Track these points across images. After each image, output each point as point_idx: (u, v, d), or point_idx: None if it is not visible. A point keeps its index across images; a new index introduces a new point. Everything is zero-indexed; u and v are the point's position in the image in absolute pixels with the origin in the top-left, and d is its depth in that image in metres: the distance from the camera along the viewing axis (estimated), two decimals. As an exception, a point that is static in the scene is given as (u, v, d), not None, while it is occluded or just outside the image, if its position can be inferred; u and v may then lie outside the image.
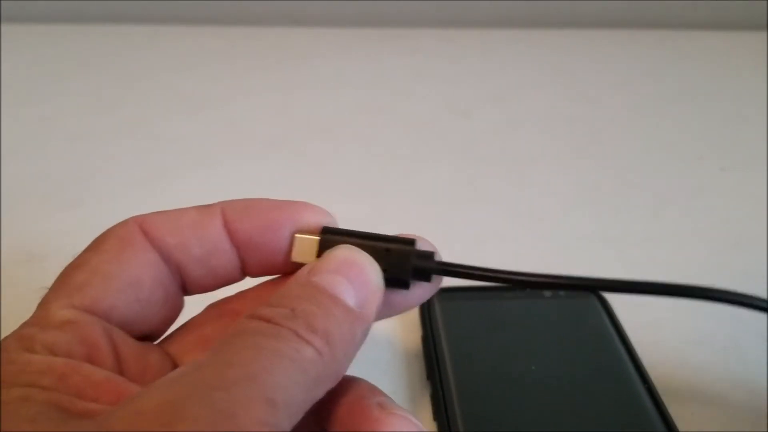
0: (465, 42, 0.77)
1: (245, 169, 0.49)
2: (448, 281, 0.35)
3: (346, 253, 0.20)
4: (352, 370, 0.31)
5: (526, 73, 0.68)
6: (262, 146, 0.52)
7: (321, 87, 0.65)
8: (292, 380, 0.16)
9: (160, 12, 0.82)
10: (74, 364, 0.18)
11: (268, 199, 0.22)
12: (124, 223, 0.21)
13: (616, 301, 0.34)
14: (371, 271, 0.20)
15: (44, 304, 0.19)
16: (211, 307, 0.23)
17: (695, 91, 0.64)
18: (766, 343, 0.33)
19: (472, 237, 0.41)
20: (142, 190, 0.46)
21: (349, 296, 0.19)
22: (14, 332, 0.18)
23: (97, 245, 0.21)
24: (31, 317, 0.19)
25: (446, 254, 0.40)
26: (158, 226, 0.21)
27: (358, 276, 0.19)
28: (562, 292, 0.33)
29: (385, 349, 0.32)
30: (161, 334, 0.22)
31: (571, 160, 0.51)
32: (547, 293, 0.33)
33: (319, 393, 0.17)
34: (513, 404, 0.27)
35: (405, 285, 0.21)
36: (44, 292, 0.20)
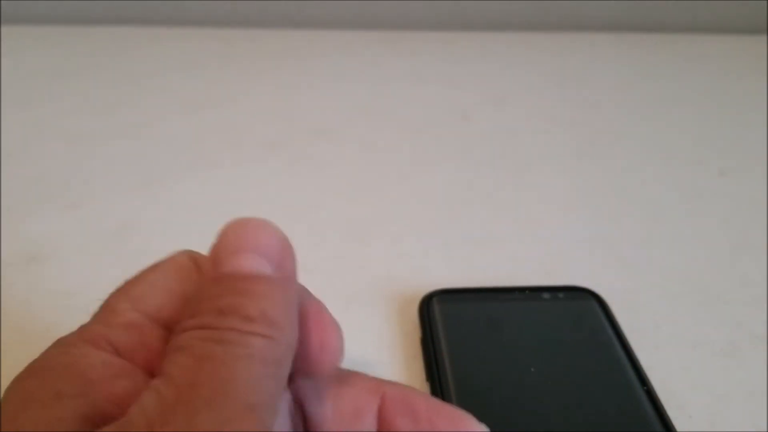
0: (464, 45, 0.77)
1: (244, 170, 0.49)
2: (448, 283, 0.36)
3: (237, 226, 0.18)
4: (351, 369, 0.31)
5: (525, 76, 0.68)
6: (261, 148, 0.52)
7: (320, 89, 0.65)
8: (258, 375, 0.16)
9: (159, 14, 0.82)
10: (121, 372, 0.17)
11: (427, 396, 0.21)
12: (179, 253, 0.21)
13: (615, 302, 0.34)
14: (266, 229, 0.18)
15: (108, 306, 0.19)
16: None
17: (694, 94, 0.65)
18: (765, 344, 0.33)
19: (471, 239, 0.41)
20: (142, 192, 0.46)
21: (261, 266, 0.18)
22: (77, 330, 0.18)
23: (154, 266, 0.20)
24: (96, 317, 0.19)
25: (445, 255, 0.40)
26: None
27: (258, 240, 0.18)
28: (561, 294, 0.33)
29: (384, 350, 0.32)
30: None
31: (571, 162, 0.51)
32: (546, 295, 0.33)
33: (285, 371, 0.17)
34: (511, 405, 0.27)
35: None
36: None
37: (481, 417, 0.27)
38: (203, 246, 0.42)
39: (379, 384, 0.20)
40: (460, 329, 0.31)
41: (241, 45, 0.76)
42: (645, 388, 0.28)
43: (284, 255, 0.18)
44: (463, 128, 0.56)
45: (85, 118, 0.57)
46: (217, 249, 0.18)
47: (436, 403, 0.20)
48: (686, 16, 0.82)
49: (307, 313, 0.19)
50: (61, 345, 0.18)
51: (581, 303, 0.33)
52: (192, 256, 0.21)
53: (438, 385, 0.28)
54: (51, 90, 0.63)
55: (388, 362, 0.31)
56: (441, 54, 0.75)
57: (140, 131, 0.55)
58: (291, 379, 0.20)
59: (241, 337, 0.16)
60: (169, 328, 0.19)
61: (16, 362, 0.31)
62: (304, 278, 0.38)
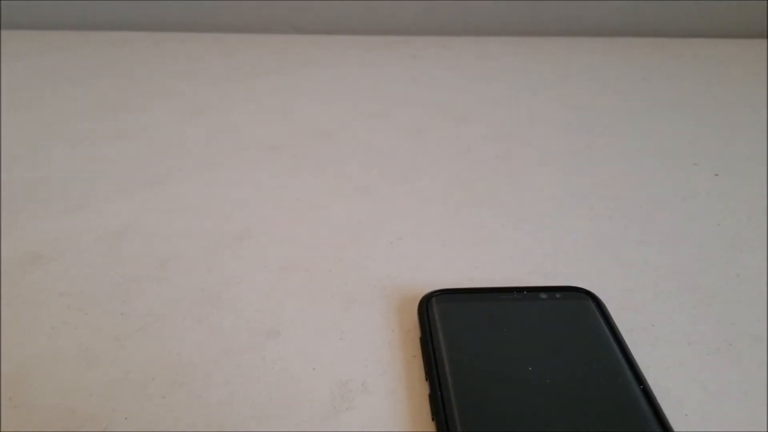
0: (462, 49, 0.78)
1: (246, 172, 0.49)
2: (447, 283, 0.36)
3: None
4: (351, 369, 0.31)
5: (524, 79, 0.69)
6: (262, 150, 0.53)
7: (321, 92, 0.65)
8: None
9: (162, 19, 0.82)
10: None
11: None
12: None
13: (611, 302, 0.34)
14: None
15: None
16: None
17: (691, 98, 0.65)
18: (759, 343, 0.33)
19: (470, 239, 0.41)
20: (146, 193, 0.46)
21: None
22: None
23: None
24: None
25: (444, 256, 0.41)
26: None
27: None
28: (558, 294, 0.34)
29: (384, 350, 0.32)
30: None
31: (568, 164, 0.51)
32: (543, 295, 0.34)
33: None
34: (509, 404, 0.28)
35: None
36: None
37: (479, 416, 0.27)
38: (203, 247, 0.43)
39: None
40: (458, 329, 0.31)
41: (244, 50, 0.77)
42: (641, 386, 0.29)
43: None
44: (461, 129, 0.57)
45: (88, 121, 0.58)
46: None
47: None
48: (685, 21, 0.83)
49: None
50: None
51: (578, 303, 0.33)
52: None
53: (437, 384, 0.28)
54: (55, 93, 0.64)
55: (388, 361, 0.32)
56: (439, 58, 0.75)
57: (142, 134, 0.55)
58: None
59: None
60: None
61: (18, 363, 0.31)
62: (304, 278, 0.38)
